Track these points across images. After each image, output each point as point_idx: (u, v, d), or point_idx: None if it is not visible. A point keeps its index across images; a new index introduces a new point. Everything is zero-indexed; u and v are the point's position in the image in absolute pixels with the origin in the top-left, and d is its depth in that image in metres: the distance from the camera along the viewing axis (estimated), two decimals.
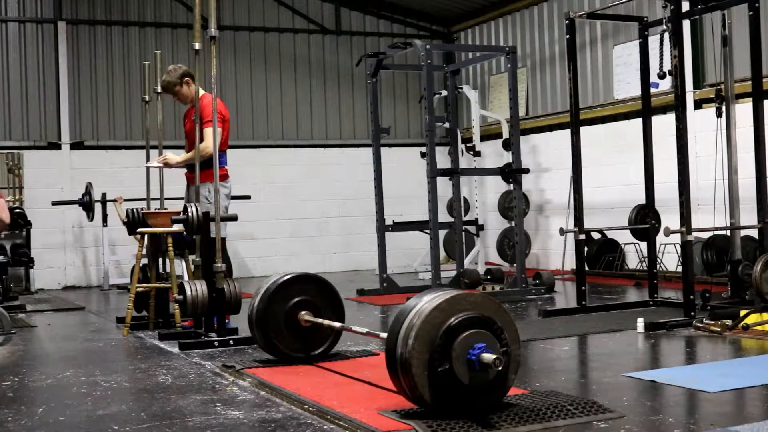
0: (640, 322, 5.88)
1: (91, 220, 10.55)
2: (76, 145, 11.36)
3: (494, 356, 3.43)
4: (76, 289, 11.00)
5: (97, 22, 11.63)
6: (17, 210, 9.59)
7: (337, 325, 4.89)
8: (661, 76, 6.83)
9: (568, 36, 7.34)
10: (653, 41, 7.52)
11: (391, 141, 11.90)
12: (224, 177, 6.32)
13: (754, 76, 6.60)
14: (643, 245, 8.50)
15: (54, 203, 10.75)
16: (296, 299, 4.94)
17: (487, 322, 3.54)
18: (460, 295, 3.63)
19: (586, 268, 7.62)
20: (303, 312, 4.91)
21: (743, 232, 7.32)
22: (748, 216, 7.00)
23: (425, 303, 3.56)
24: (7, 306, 7.75)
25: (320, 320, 4.79)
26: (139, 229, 6.85)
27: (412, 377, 3.46)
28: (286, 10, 12.54)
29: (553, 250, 11.12)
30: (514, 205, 8.74)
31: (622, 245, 10.01)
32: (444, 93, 9.95)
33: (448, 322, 3.48)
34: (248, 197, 10.86)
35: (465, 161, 10.97)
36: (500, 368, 3.45)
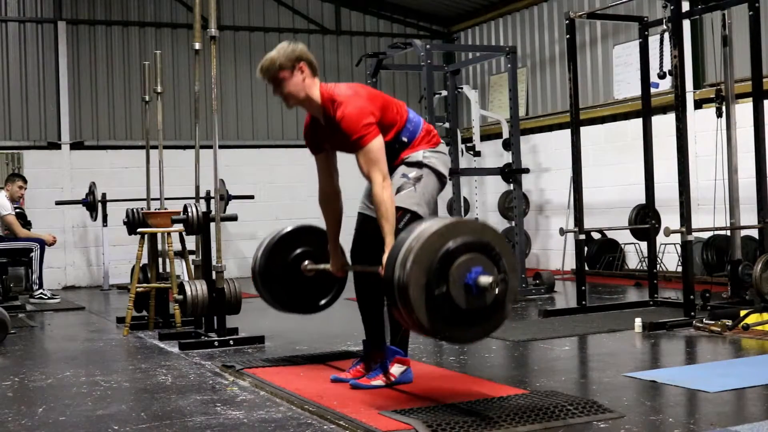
0: (638, 322, 5.88)
1: (95, 219, 10.56)
2: (76, 145, 11.36)
3: (491, 279, 3.40)
4: (76, 289, 11.00)
5: (97, 22, 11.63)
6: (17, 210, 9.60)
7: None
8: (661, 76, 6.83)
9: (568, 36, 7.34)
10: (653, 41, 7.52)
11: None
12: (433, 140, 4.38)
13: (754, 76, 6.60)
14: (643, 245, 8.50)
15: (57, 203, 10.75)
16: (297, 251, 4.79)
17: (486, 247, 3.49)
18: (459, 221, 3.60)
19: (586, 268, 7.62)
20: (305, 262, 4.78)
21: (743, 232, 7.32)
22: (748, 216, 7.00)
23: (424, 228, 3.50)
24: (7, 306, 7.76)
25: (322, 266, 4.69)
26: (139, 229, 6.86)
27: (409, 301, 3.40)
28: (286, 10, 12.54)
29: (553, 250, 11.12)
30: (514, 205, 8.74)
31: (622, 245, 10.01)
32: (444, 93, 9.95)
33: (446, 246, 3.43)
34: (251, 197, 10.87)
35: (465, 161, 10.97)
36: (497, 292, 3.41)
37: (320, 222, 4.69)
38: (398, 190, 4.16)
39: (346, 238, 4.48)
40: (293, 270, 4.80)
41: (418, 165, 4.22)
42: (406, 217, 4.12)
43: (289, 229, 4.87)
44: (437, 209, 4.55)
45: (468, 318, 3.47)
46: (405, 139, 4.25)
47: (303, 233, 4.86)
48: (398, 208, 4.10)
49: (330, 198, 4.48)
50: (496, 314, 3.54)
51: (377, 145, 4.05)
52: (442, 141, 4.40)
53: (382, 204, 3.97)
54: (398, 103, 4.32)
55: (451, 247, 3.43)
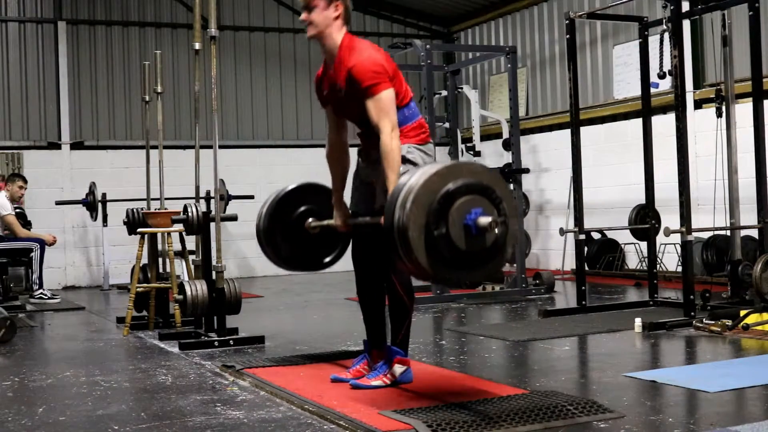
0: (638, 322, 5.88)
1: (95, 219, 10.56)
2: (76, 145, 11.36)
3: (491, 219, 3.39)
4: (76, 289, 11.00)
5: (97, 22, 11.63)
6: (17, 210, 9.60)
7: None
8: (661, 76, 6.84)
9: (568, 36, 7.34)
10: (653, 41, 7.52)
11: None
12: (421, 135, 4.27)
13: (754, 76, 6.60)
14: (643, 245, 8.50)
15: (57, 203, 10.76)
16: (301, 209, 4.74)
17: (487, 190, 3.49)
18: (460, 163, 3.59)
19: (586, 268, 7.62)
20: (309, 220, 4.73)
21: (743, 232, 7.32)
22: (748, 216, 7.00)
23: (425, 170, 3.49)
24: (7, 306, 7.76)
25: (325, 222, 4.64)
26: (139, 229, 6.86)
27: (408, 242, 3.38)
28: (286, 10, 12.54)
29: (553, 250, 11.12)
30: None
31: (622, 245, 10.01)
32: (444, 93, 9.96)
33: (446, 187, 3.42)
34: (251, 197, 10.87)
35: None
36: (497, 232, 3.41)
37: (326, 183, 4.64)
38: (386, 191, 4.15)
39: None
40: (297, 228, 4.74)
41: (402, 159, 4.12)
42: None
43: (292, 186, 4.80)
44: None
45: (467, 260, 3.45)
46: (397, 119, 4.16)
47: (307, 191, 4.80)
48: None
49: (338, 149, 4.47)
50: (495, 257, 3.53)
51: (389, 95, 4.00)
52: (431, 140, 4.34)
53: (389, 153, 3.94)
54: (407, 85, 4.28)
55: (451, 189, 3.41)
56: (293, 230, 4.75)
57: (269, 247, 4.78)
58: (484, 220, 3.39)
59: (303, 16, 4.20)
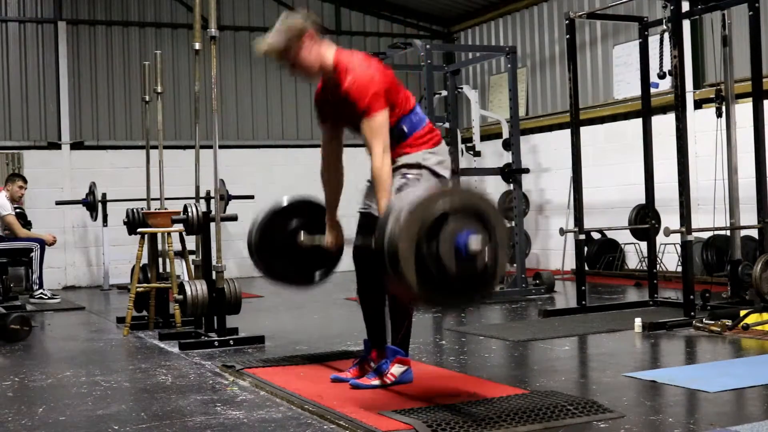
0: (638, 322, 5.88)
1: (95, 219, 10.56)
2: (76, 145, 11.36)
3: (482, 244, 3.38)
4: (76, 289, 11.01)
5: (97, 22, 11.63)
6: (17, 210, 9.60)
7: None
8: (661, 76, 6.84)
9: (568, 36, 7.34)
10: (653, 41, 7.52)
11: None
12: (434, 139, 4.26)
13: (754, 76, 6.59)
14: (643, 245, 8.50)
15: (57, 203, 10.76)
16: (292, 223, 4.72)
17: (482, 216, 3.48)
18: (458, 187, 3.61)
19: (586, 268, 7.62)
20: (301, 234, 4.71)
21: (743, 232, 7.32)
22: (748, 216, 7.00)
23: (422, 190, 3.51)
24: (7, 306, 7.76)
25: (317, 237, 4.62)
26: (139, 229, 6.86)
27: (397, 254, 3.35)
28: (286, 11, 12.52)
29: (553, 250, 11.12)
30: (514, 205, 8.74)
31: (622, 245, 10.01)
32: (444, 93, 9.95)
33: (442, 206, 3.41)
34: (252, 197, 10.87)
35: (465, 161, 10.96)
36: (487, 259, 3.40)
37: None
38: (398, 190, 4.15)
39: (351, 238, 4.45)
40: (289, 243, 4.72)
41: (418, 166, 4.17)
42: None
43: (286, 201, 4.79)
44: None
45: (454, 283, 3.43)
46: (405, 129, 4.17)
47: (301, 206, 4.79)
48: None
49: (332, 168, 4.45)
50: (482, 284, 3.52)
51: (382, 118, 4.00)
52: (443, 141, 4.35)
53: (380, 176, 3.96)
54: (406, 92, 4.26)
55: (447, 208, 3.41)
56: (285, 245, 4.74)
57: (260, 262, 4.79)
58: (475, 243, 3.39)
59: (288, 72, 4.16)
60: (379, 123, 4.00)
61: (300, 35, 4.07)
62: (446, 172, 4.24)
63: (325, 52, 4.12)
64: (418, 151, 4.17)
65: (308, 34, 4.08)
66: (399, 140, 4.16)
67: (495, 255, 3.48)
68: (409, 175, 4.16)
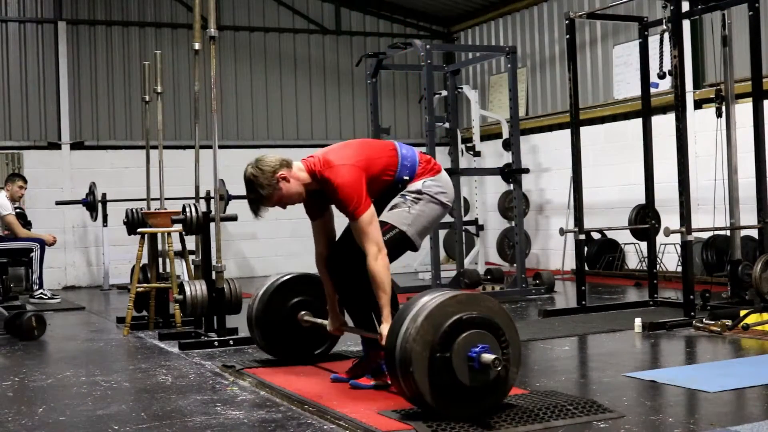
0: (638, 322, 5.88)
1: (95, 219, 10.56)
2: (76, 145, 11.36)
3: (494, 357, 3.43)
4: (76, 289, 11.00)
5: (97, 22, 11.63)
6: (18, 210, 9.60)
7: None
8: (661, 76, 6.83)
9: (568, 36, 7.34)
10: (653, 41, 7.52)
11: None
12: (434, 168, 4.38)
13: (754, 76, 6.60)
14: (643, 245, 8.50)
15: (57, 203, 10.76)
16: (295, 300, 4.92)
17: (498, 330, 3.54)
18: (481, 295, 3.71)
19: (586, 268, 7.62)
20: (302, 312, 4.90)
21: (743, 232, 7.32)
22: (748, 216, 7.00)
23: (443, 292, 3.58)
24: (7, 306, 7.75)
25: (319, 320, 4.78)
26: (139, 229, 6.86)
27: (409, 356, 3.44)
28: (286, 10, 12.54)
29: (553, 250, 11.12)
30: (514, 205, 8.74)
31: (622, 245, 10.01)
32: (444, 93, 9.95)
33: (459, 314, 3.48)
34: None
35: (465, 161, 10.97)
36: (497, 373, 3.45)
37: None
38: (392, 208, 4.23)
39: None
40: (290, 319, 4.90)
41: (418, 192, 4.26)
42: (393, 232, 4.18)
43: (286, 277, 4.97)
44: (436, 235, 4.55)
45: (463, 392, 3.48)
46: (406, 177, 4.28)
47: (304, 282, 4.96)
48: (385, 223, 4.16)
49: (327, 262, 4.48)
50: (490, 396, 3.56)
51: (368, 216, 4.06)
52: (443, 171, 4.42)
53: (377, 275, 4.02)
54: (385, 147, 4.31)
55: (464, 317, 3.48)
56: (285, 320, 4.91)
57: (259, 332, 4.95)
58: (488, 357, 3.44)
59: (281, 208, 4.30)
60: (365, 223, 4.05)
61: (273, 176, 4.14)
62: (446, 198, 4.33)
63: (298, 173, 4.19)
64: (419, 180, 4.28)
65: (281, 174, 4.15)
66: (405, 186, 4.28)
67: (506, 371, 3.55)
68: (407, 197, 4.25)
